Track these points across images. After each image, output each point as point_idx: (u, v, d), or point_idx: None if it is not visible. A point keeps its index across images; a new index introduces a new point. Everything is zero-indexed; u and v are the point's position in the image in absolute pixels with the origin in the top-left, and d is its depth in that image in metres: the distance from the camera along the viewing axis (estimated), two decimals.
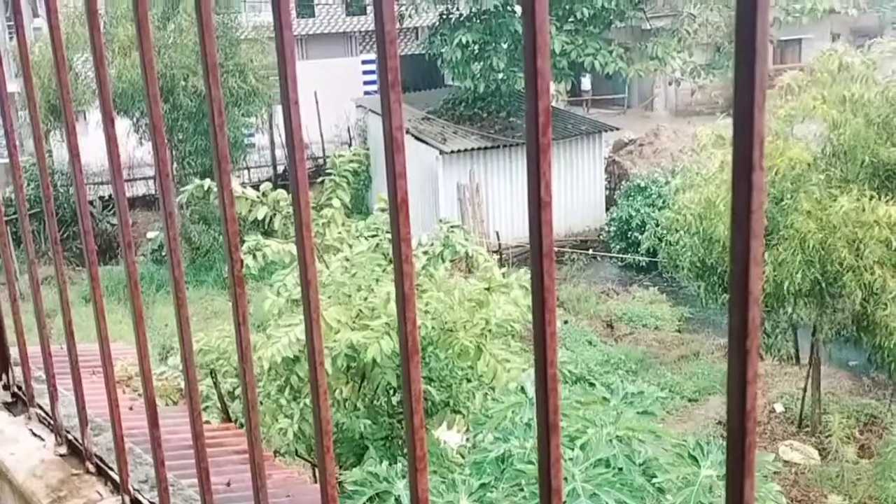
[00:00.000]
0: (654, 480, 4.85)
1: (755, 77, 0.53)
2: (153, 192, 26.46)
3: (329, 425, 0.98)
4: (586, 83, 32.88)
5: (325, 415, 0.98)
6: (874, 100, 11.53)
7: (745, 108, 0.53)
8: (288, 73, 0.91)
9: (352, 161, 7.86)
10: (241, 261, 1.06)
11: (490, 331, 7.23)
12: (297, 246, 0.94)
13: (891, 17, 31.94)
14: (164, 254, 21.37)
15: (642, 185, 21.74)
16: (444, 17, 23.48)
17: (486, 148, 22.38)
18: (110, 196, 25.73)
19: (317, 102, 28.50)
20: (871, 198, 10.89)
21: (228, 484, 4.96)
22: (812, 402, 13.39)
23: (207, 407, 7.22)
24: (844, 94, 11.47)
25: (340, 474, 6.95)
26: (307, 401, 6.79)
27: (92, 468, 1.73)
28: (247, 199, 7.17)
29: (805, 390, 13.50)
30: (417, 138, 22.65)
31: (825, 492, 11.75)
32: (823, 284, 11.46)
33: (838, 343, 13.40)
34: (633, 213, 21.07)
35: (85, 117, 22.46)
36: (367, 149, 26.36)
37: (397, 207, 0.82)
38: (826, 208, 11.18)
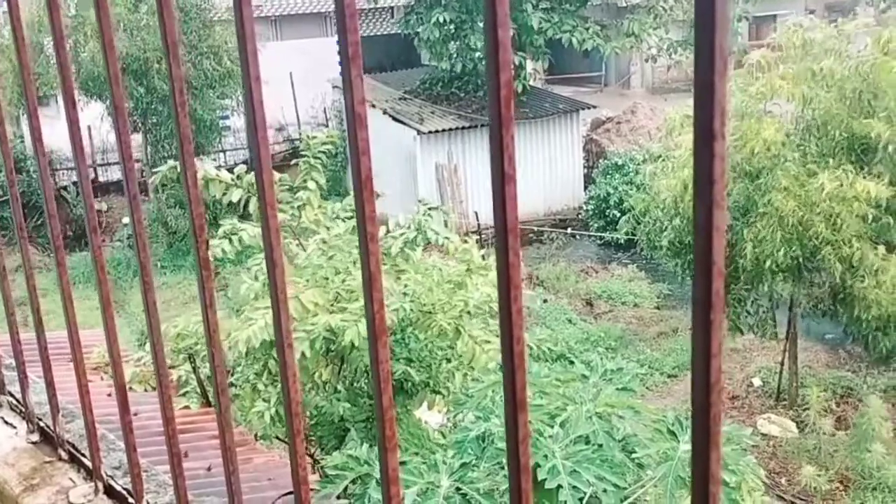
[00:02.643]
0: (633, 456, 4.90)
1: (715, 44, 0.52)
2: None
3: (299, 407, 0.97)
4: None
5: (295, 396, 0.97)
6: (847, 74, 11.58)
7: (705, 76, 0.52)
8: (248, 48, 0.89)
9: (325, 143, 7.79)
10: (207, 242, 1.05)
11: (469, 312, 7.24)
12: (261, 226, 0.92)
13: None
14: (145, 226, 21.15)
15: (620, 163, 21.80)
16: None
17: (463, 128, 22.33)
18: (91, 180, 25.42)
19: (292, 83, 28.27)
20: (848, 173, 10.96)
21: (209, 468, 4.95)
22: (789, 376, 13.55)
23: (187, 392, 7.20)
24: (813, 69, 11.51)
25: (322, 458, 6.95)
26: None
27: (65, 455, 1.71)
28: (221, 181, 7.10)
29: (782, 364, 13.65)
30: (395, 118, 22.55)
31: (802, 463, 11.91)
32: (801, 260, 11.57)
33: (815, 317, 13.55)
34: (612, 191, 21.14)
35: (57, 101, 22.16)
36: (345, 130, 26.17)
37: (361, 185, 0.81)
38: (804, 185, 11.25)
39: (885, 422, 11.48)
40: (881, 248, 11.46)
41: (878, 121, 11.17)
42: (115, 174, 25.47)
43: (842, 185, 10.84)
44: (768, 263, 11.48)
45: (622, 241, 19.75)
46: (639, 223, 15.20)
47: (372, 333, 0.82)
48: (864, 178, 10.98)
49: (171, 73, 1.05)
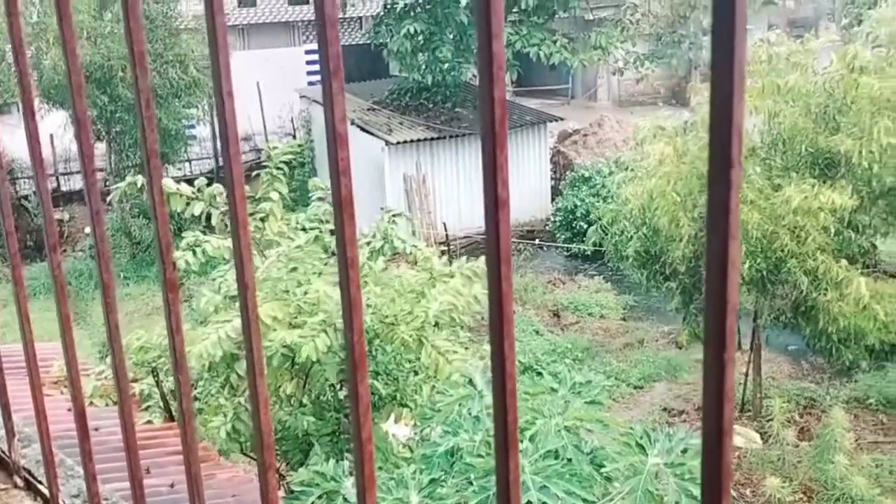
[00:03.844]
0: (602, 470, 4.87)
1: (734, 67, 0.48)
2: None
3: (270, 438, 0.92)
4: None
5: (266, 427, 0.92)
6: (812, 90, 11.74)
7: (722, 101, 0.49)
8: (221, 61, 0.84)
9: (287, 153, 7.70)
10: (174, 264, 0.99)
11: (431, 323, 7.15)
12: (233, 245, 0.87)
13: (826, 8, 32.70)
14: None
15: (587, 175, 21.91)
16: (390, 6, 23.30)
17: (432, 139, 22.30)
18: (52, 190, 25.04)
19: (259, 93, 28.08)
20: (813, 185, 11.09)
21: (172, 485, 4.84)
22: (754, 387, 13.65)
23: (149, 406, 7.05)
24: (779, 84, 11.65)
25: (287, 473, 6.84)
26: (241, 399, 6.65)
27: (20, 482, 1.63)
28: (181, 195, 6.98)
29: (747, 375, 13.76)
30: (363, 129, 22.47)
31: (767, 475, 11.99)
32: (766, 272, 11.67)
33: (778, 329, 13.68)
34: (579, 203, 21.23)
35: (19, 109, 21.77)
36: (312, 140, 26.06)
37: (341, 206, 0.76)
38: (769, 198, 11.36)
39: (848, 433, 11.59)
40: (844, 262, 11.61)
41: (844, 136, 11.32)
42: (77, 183, 25.07)
43: (807, 197, 10.96)
44: None
45: (589, 253, 19.82)
46: (605, 234, 15.27)
47: (351, 364, 0.77)
48: (829, 189, 11.12)
49: (136, 84, 0.99)
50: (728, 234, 0.51)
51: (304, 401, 7.21)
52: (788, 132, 11.88)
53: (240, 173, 0.87)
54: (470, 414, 4.98)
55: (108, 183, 19.70)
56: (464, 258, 8.09)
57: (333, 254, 7.74)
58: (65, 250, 21.88)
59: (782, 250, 11.28)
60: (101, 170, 23.23)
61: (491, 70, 0.60)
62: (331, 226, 7.97)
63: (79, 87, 1.10)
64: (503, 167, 0.62)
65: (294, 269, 6.97)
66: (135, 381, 7.24)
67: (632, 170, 13.50)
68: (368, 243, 7.67)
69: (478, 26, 0.60)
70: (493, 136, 0.61)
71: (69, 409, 4.48)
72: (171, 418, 6.95)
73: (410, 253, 7.54)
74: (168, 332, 1.05)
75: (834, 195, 10.81)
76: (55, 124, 20.98)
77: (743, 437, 13.19)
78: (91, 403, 6.81)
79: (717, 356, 0.52)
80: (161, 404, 6.98)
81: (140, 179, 7.53)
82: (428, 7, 22.01)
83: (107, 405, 7.05)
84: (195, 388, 7.25)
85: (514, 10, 21.75)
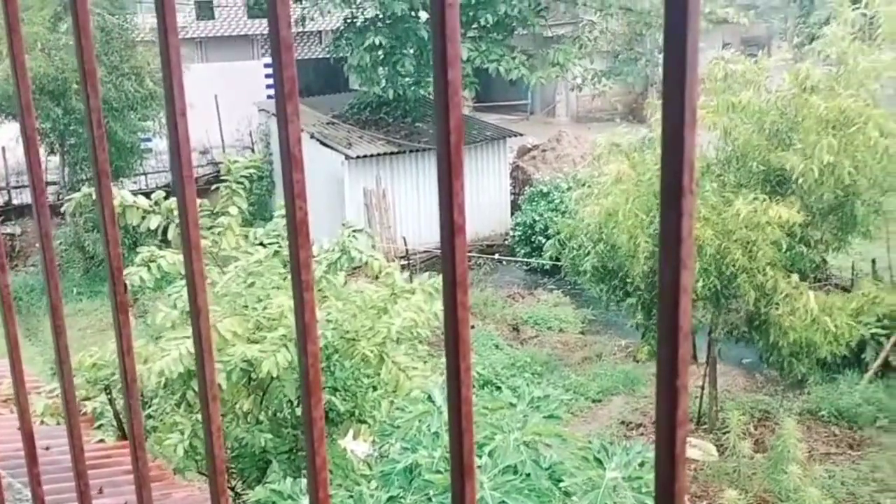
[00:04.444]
0: (560, 484, 4.89)
1: (685, 96, 0.49)
2: (48, 198, 25.31)
3: (222, 464, 0.90)
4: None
5: (218, 452, 0.90)
6: (766, 107, 11.98)
7: (673, 129, 0.49)
8: (174, 80, 0.82)
9: (247, 167, 7.64)
10: (126, 285, 0.97)
11: (392, 339, 7.14)
12: (185, 270, 0.85)
13: (778, 28, 33.44)
14: (56, 263, 20.46)
15: (545, 190, 22.07)
16: (350, 20, 23.30)
17: (392, 153, 22.31)
18: (3, 203, 24.52)
19: (217, 106, 27.87)
20: (763, 201, 11.29)
21: None
22: (710, 400, 13.81)
23: (102, 425, 6.91)
24: (733, 102, 11.88)
25: (243, 492, 6.75)
26: (199, 416, 6.55)
27: None
28: (138, 208, 6.89)
29: (703, 388, 13.92)
30: (322, 143, 22.39)
31: (723, 486, 12.11)
32: (719, 287, 11.83)
33: (732, 342, 13.87)
34: (537, 218, 21.37)
35: None
36: (271, 153, 25.90)
37: (296, 229, 0.75)
38: (721, 213, 11.54)
39: (800, 443, 11.77)
40: (795, 276, 11.82)
41: (794, 153, 11.56)
42: (30, 197, 24.60)
43: (756, 211, 11.15)
44: None
45: (547, 267, 19.94)
46: (563, 249, 15.39)
47: (305, 389, 0.76)
48: (777, 204, 11.33)
49: (87, 102, 0.98)
50: (680, 263, 0.51)
51: (261, 417, 7.13)
52: (742, 149, 12.10)
53: (192, 196, 0.86)
54: (429, 430, 4.96)
55: (61, 196, 19.34)
56: (425, 274, 8.09)
57: None
58: (16, 265, 21.42)
59: (734, 265, 11.46)
60: (54, 183, 22.84)
61: (446, 97, 0.60)
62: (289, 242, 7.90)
63: (28, 106, 1.08)
64: (458, 193, 0.62)
65: (252, 283, 6.91)
66: (87, 399, 7.10)
67: (589, 186, 13.63)
68: (326, 258, 7.62)
69: (434, 53, 0.60)
70: (449, 164, 0.61)
71: (20, 428, 4.38)
72: (125, 437, 6.83)
73: (369, 265, 7.51)
74: (118, 353, 1.03)
75: (781, 209, 11.02)
76: (7, 136, 20.61)
77: (699, 449, 13.32)
78: (42, 422, 6.67)
79: (670, 382, 0.53)
80: (114, 423, 6.85)
81: (94, 191, 7.42)
82: (388, 22, 22.06)
83: (58, 423, 6.90)
84: (149, 406, 7.13)
85: (474, 26, 21.89)
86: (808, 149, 11.45)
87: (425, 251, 21.15)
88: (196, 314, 0.87)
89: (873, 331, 13.27)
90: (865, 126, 11.18)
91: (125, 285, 0.94)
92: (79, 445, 1.09)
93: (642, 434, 13.70)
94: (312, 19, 24.04)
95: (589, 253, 13.36)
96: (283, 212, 6.67)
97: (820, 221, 12.16)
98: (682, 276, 0.51)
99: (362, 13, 23.10)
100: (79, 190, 8.06)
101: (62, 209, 9.12)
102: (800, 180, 11.43)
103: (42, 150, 22.30)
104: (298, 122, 0.73)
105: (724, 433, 13.10)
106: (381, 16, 22.19)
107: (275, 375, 6.16)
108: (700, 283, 11.45)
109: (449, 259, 0.63)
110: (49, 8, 20.88)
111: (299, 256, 0.75)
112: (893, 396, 13.73)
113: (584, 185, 14.31)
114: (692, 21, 0.46)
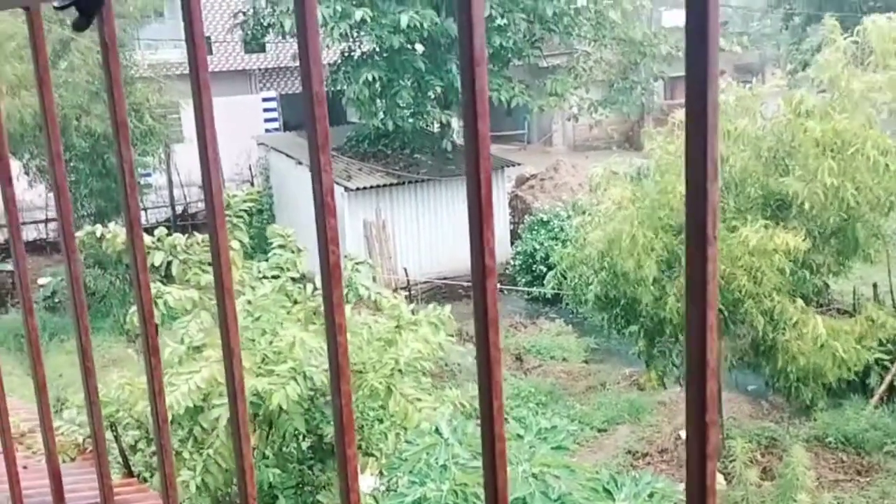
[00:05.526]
0: None
1: (707, 150, 0.52)
2: (44, 235, 25.41)
3: (254, 502, 0.93)
4: None
5: (251, 491, 0.93)
6: (762, 134, 12.07)
7: (697, 182, 0.52)
8: (208, 135, 0.86)
9: (247, 201, 7.71)
10: (156, 327, 1.00)
11: (400, 371, 7.16)
12: (219, 314, 0.89)
13: (771, 55, 33.75)
14: (56, 300, 20.48)
15: (545, 218, 22.16)
16: (347, 54, 23.52)
17: (391, 185, 22.42)
18: (6, 240, 24.58)
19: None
20: (768, 227, 11.34)
21: None
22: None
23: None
24: (729, 129, 11.97)
25: None
26: (210, 451, 6.56)
27: None
28: None
29: None
30: None
31: None
32: (725, 313, 11.84)
33: (738, 369, 13.84)
34: (538, 247, 21.42)
35: None
36: (270, 186, 26.02)
37: (330, 273, 0.78)
38: (724, 239, 11.58)
39: (809, 471, 11.71)
40: (800, 301, 11.83)
41: (794, 179, 11.63)
42: (29, 234, 24.68)
43: (763, 238, 11.20)
44: None
45: (549, 296, 19.94)
46: (565, 278, 15.40)
47: (339, 430, 0.79)
48: (784, 231, 11.37)
49: (119, 153, 1.01)
50: (706, 304, 0.54)
51: (267, 452, 7.12)
52: (740, 175, 12.17)
53: (224, 242, 0.89)
54: (437, 463, 4.96)
55: (59, 234, 19.37)
56: (430, 305, 8.12)
57: (296, 302, 7.71)
58: (17, 302, 21.45)
59: (740, 291, 11.47)
60: (53, 219, 22.93)
61: (476, 148, 0.64)
62: (293, 273, 7.95)
63: (58, 156, 1.11)
64: (489, 239, 0.66)
65: (259, 317, 6.94)
66: (90, 436, 7.09)
67: (589, 214, 13.69)
68: None
69: (463, 108, 0.64)
70: (480, 211, 0.64)
71: (25, 467, 4.39)
72: (130, 473, 6.81)
73: (375, 300, 7.55)
74: (149, 394, 1.06)
75: (787, 236, 11.07)
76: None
77: None
78: None
79: (699, 419, 0.56)
80: (119, 459, 6.84)
81: (98, 229, 7.48)
82: (385, 55, 22.26)
83: (63, 461, 6.88)
84: (154, 441, 7.12)
85: None
86: (807, 173, 11.53)
87: (426, 281, 21.18)
88: (229, 356, 0.89)
89: (877, 355, 13.25)
90: (864, 146, 11.26)
91: (156, 327, 0.97)
92: (108, 484, 1.12)
93: (649, 464, 13.63)
94: None
95: (591, 282, 13.38)
96: (278, 241, 6.70)
97: (822, 245, 12.20)
98: (709, 315, 0.55)
99: (359, 46, 23.32)
100: (80, 227, 8.11)
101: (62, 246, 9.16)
102: (805, 205, 11.48)
103: (42, 188, 22.43)
104: (331, 173, 0.76)
105: (731, 461, 13.04)
106: (377, 49, 22.40)
107: (284, 408, 6.16)
108: None
109: (480, 302, 0.66)
110: (48, 46, 21.09)
111: (332, 299, 0.78)
112: None
113: (584, 212, 14.36)
114: (712, 94, 0.49)
